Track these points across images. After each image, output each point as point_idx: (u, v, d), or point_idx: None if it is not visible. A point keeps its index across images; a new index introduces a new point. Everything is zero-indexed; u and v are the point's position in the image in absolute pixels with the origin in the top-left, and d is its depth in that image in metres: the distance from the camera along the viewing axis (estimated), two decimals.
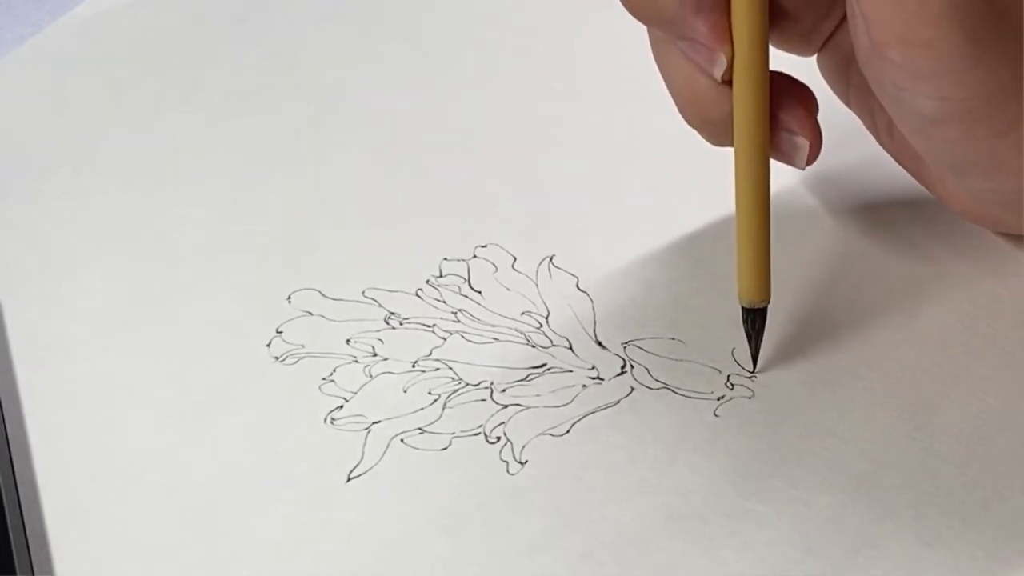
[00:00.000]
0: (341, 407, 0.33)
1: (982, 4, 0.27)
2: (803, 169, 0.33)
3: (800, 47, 0.33)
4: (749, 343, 0.32)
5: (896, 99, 0.30)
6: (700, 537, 0.29)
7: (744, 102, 0.31)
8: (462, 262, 0.37)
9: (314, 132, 0.42)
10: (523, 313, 0.35)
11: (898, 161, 0.35)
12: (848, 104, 0.34)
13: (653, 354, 0.33)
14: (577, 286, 0.36)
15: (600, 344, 0.34)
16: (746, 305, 0.32)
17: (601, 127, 0.42)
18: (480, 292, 0.36)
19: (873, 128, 0.34)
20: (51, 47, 0.47)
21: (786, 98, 0.32)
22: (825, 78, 0.34)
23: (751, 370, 0.32)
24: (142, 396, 0.34)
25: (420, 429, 0.32)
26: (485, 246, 0.37)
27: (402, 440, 0.32)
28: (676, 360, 0.33)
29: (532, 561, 0.29)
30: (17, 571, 0.29)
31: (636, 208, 0.38)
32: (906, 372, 0.32)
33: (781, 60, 0.32)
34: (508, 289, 0.36)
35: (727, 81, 0.31)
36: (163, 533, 0.30)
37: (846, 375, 0.32)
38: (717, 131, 0.32)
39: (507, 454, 0.31)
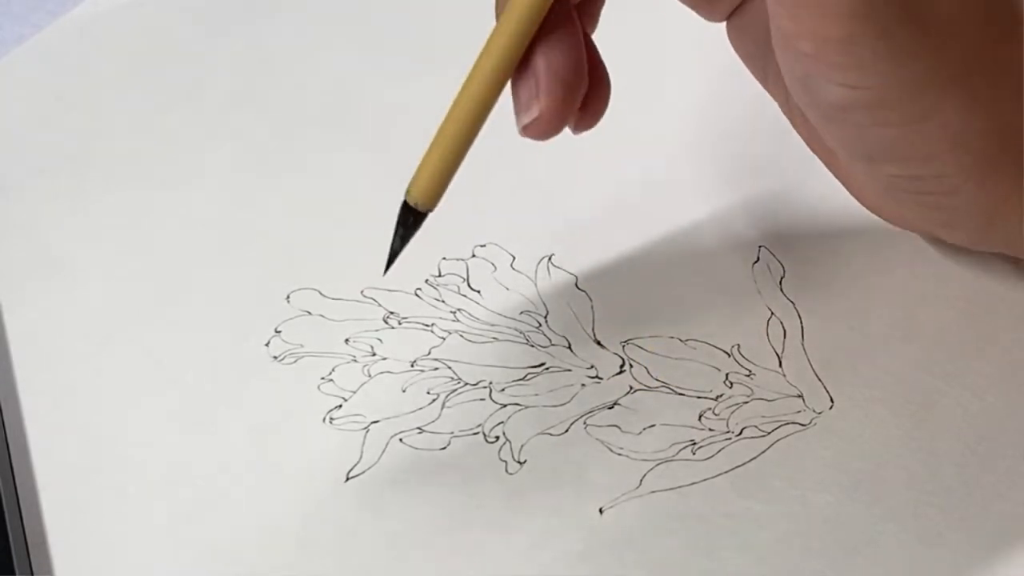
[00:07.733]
0: (340, 406, 0.33)
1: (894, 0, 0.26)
2: (520, 134, 0.30)
3: (703, 8, 0.31)
4: (393, 242, 0.29)
5: (804, 85, 0.29)
6: (700, 537, 0.29)
7: (506, 17, 0.28)
8: (461, 261, 0.37)
9: (314, 132, 0.42)
10: (522, 312, 0.35)
11: (810, 147, 0.33)
12: (764, 85, 0.33)
13: (652, 353, 0.33)
14: (576, 285, 0.36)
15: (599, 343, 0.34)
16: (410, 203, 0.29)
17: (600, 126, 0.41)
18: (479, 291, 0.36)
19: (787, 110, 0.32)
20: (51, 47, 0.47)
21: (560, 57, 0.29)
22: (736, 52, 0.32)
23: (383, 273, 0.30)
24: (141, 396, 0.34)
25: (419, 429, 0.32)
26: (484, 245, 0.37)
27: (401, 440, 0.32)
28: (675, 359, 0.33)
29: (532, 561, 0.29)
30: (16, 571, 0.29)
31: (635, 208, 0.38)
32: (906, 370, 0.32)
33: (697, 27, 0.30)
34: (507, 288, 0.36)
35: None
36: (162, 532, 0.30)
37: (846, 374, 0.32)
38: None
39: (506, 454, 0.31)
